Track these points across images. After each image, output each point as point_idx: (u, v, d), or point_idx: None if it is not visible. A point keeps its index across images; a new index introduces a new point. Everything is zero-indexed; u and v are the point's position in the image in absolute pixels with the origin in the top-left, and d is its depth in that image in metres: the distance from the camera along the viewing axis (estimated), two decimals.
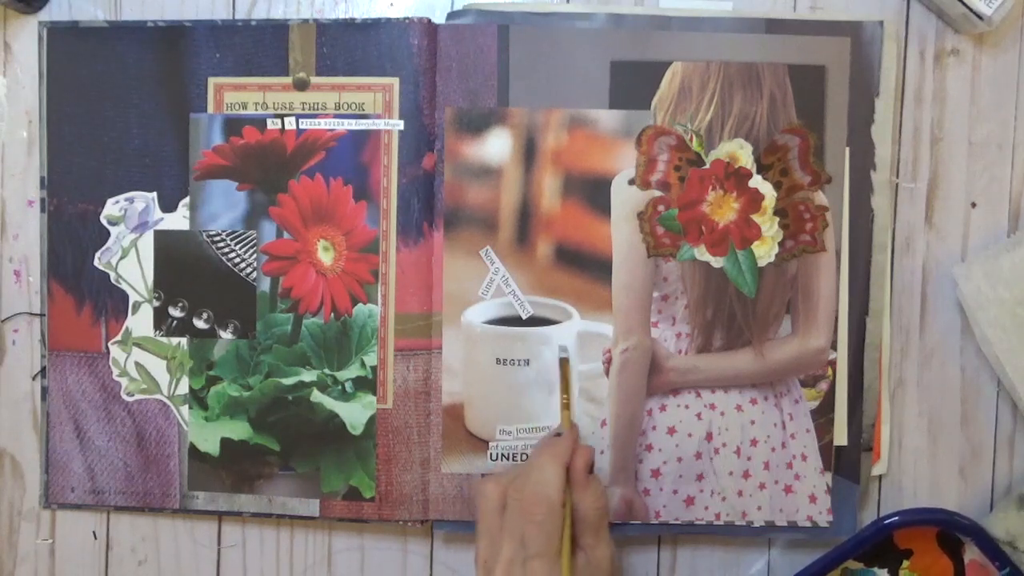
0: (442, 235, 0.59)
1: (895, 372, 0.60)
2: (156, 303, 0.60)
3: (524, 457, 0.59)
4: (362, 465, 0.59)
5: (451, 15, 0.59)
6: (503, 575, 0.49)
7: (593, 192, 0.58)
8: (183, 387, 0.60)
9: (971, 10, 0.56)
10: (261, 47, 0.58)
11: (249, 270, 0.59)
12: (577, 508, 0.51)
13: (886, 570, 0.59)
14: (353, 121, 0.58)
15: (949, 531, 0.57)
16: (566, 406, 0.56)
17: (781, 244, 0.58)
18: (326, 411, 0.59)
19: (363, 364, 0.59)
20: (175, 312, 0.60)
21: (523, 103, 0.58)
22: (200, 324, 0.60)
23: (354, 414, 0.59)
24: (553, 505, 0.50)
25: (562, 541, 0.50)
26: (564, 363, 0.57)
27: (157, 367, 0.60)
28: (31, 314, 0.61)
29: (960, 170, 0.60)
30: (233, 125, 0.59)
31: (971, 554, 0.58)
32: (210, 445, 0.60)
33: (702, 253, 0.58)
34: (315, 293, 0.59)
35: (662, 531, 0.60)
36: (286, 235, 0.59)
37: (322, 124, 0.58)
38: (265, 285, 0.59)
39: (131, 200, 0.60)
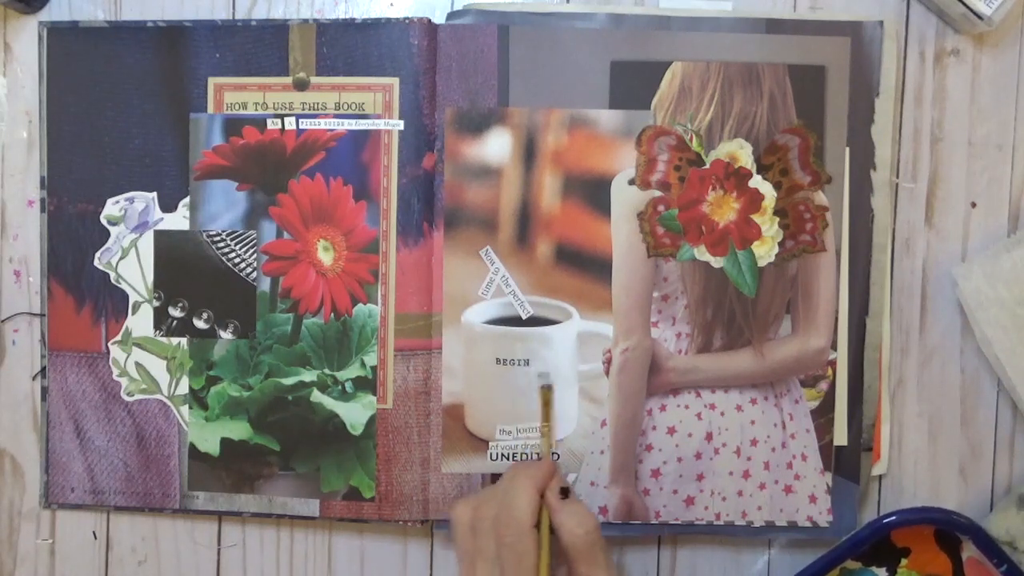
0: (442, 235, 0.59)
1: (895, 372, 0.60)
2: (156, 303, 0.60)
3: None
4: (362, 465, 0.59)
5: (451, 15, 0.59)
6: None
7: (593, 192, 0.58)
8: (183, 387, 0.60)
9: (971, 10, 0.56)
10: (261, 47, 0.58)
11: (249, 270, 0.59)
12: (560, 534, 0.50)
13: (884, 569, 0.59)
14: (353, 121, 0.58)
15: (947, 529, 0.57)
16: (546, 433, 0.56)
17: (781, 244, 0.58)
18: (326, 411, 0.59)
19: (363, 364, 0.59)
20: (175, 312, 0.60)
21: (523, 103, 0.58)
22: (200, 324, 0.59)
23: (354, 414, 0.59)
24: (523, 526, 0.49)
25: (538, 564, 0.49)
26: (546, 391, 0.57)
27: (157, 367, 0.60)
28: (31, 314, 0.61)
29: (960, 170, 0.60)
30: (233, 125, 0.59)
31: (969, 552, 0.58)
32: (210, 445, 0.60)
33: (702, 253, 0.58)
34: (315, 293, 0.59)
35: (662, 531, 0.60)
36: (286, 235, 0.59)
37: (322, 124, 0.58)
38: (265, 285, 0.59)
39: (131, 200, 0.60)
